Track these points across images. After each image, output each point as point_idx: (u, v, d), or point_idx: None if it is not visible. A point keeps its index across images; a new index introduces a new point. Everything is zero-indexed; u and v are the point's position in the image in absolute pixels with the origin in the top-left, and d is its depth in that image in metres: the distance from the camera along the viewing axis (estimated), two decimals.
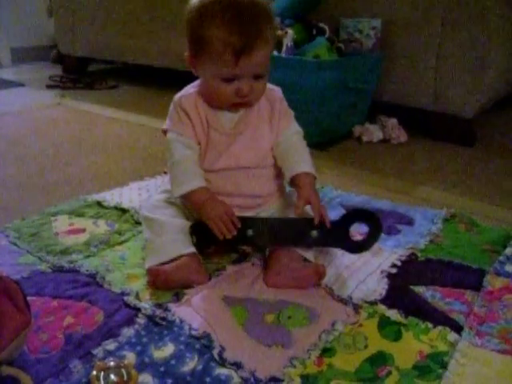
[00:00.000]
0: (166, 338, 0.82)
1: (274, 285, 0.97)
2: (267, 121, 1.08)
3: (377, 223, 1.01)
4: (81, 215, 1.25)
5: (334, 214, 1.26)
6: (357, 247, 1.02)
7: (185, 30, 1.01)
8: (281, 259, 0.99)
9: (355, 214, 1.02)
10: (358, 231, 1.07)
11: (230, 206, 1.00)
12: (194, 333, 0.82)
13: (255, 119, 1.06)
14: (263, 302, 0.92)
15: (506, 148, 1.94)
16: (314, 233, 0.99)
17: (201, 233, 1.02)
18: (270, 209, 1.10)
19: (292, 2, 1.92)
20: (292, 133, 1.10)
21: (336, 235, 1.00)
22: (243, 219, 1.00)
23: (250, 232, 1.00)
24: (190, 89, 1.08)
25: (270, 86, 1.08)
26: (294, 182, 1.05)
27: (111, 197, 1.35)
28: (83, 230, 1.18)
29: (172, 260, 0.97)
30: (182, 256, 0.97)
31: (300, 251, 1.01)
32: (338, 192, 1.42)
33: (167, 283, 0.94)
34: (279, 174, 1.11)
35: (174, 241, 0.99)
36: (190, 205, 1.04)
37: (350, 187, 1.47)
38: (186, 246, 0.99)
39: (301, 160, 1.07)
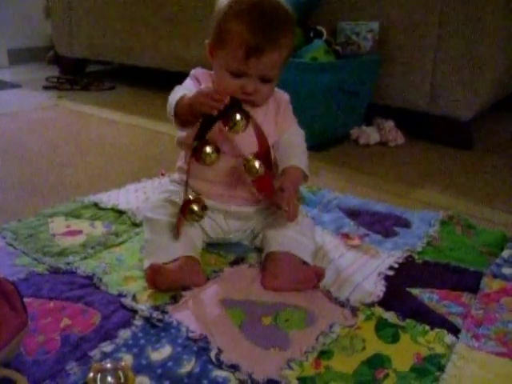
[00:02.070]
0: (163, 339, 0.81)
1: (272, 288, 0.96)
2: (273, 120, 1.11)
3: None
4: (78, 217, 1.25)
5: (331, 217, 1.27)
6: None
7: (211, 19, 1.04)
8: (279, 262, 0.99)
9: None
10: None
11: None
12: (191, 335, 0.82)
13: (262, 115, 1.08)
14: (261, 304, 0.92)
15: (503, 151, 1.95)
16: None
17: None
18: (268, 207, 1.10)
19: (291, 4, 1.92)
20: (294, 132, 1.13)
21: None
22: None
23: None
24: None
25: (278, 89, 1.12)
26: (282, 173, 1.07)
27: (108, 198, 1.35)
28: (80, 232, 1.17)
29: (171, 262, 0.96)
30: (180, 258, 0.97)
31: (298, 254, 1.01)
32: (335, 194, 1.42)
33: (166, 283, 0.93)
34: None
35: (173, 242, 0.99)
36: (185, 114, 1.01)
37: (347, 189, 1.47)
38: (185, 248, 0.99)
39: (295, 156, 1.09)
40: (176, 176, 1.17)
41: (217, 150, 1.00)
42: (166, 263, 0.96)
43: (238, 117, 0.95)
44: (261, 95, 1.04)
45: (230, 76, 1.01)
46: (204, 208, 1.01)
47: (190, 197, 1.00)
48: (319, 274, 0.98)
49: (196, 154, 1.00)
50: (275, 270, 0.98)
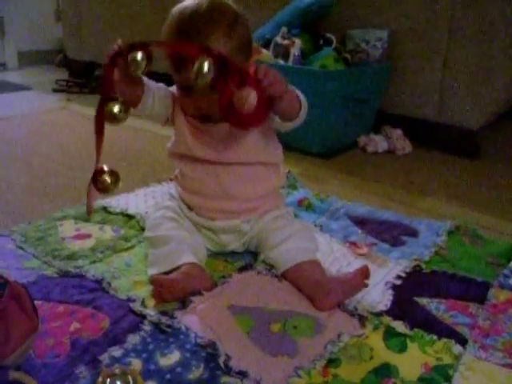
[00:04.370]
0: (172, 345, 0.82)
1: (330, 306, 0.92)
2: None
3: None
4: (87, 220, 1.25)
5: (339, 225, 1.27)
6: None
7: None
8: (318, 277, 0.97)
9: None
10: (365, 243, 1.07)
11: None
12: (199, 341, 0.82)
13: None
14: (269, 311, 0.92)
15: (511, 160, 1.94)
16: None
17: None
18: (261, 218, 1.09)
19: (300, 12, 1.93)
20: None
21: None
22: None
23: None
24: None
25: None
26: None
27: (117, 202, 1.35)
28: (89, 236, 1.18)
29: (174, 270, 0.97)
30: (183, 265, 0.97)
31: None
32: (342, 202, 1.42)
33: (173, 292, 0.93)
34: (271, 176, 1.11)
35: (174, 251, 1.00)
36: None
37: (355, 197, 1.47)
38: (186, 255, 0.99)
39: None
40: (172, 186, 1.17)
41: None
42: (169, 271, 0.97)
43: (137, 56, 0.85)
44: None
45: (183, 94, 1.00)
46: (116, 179, 0.97)
47: (104, 167, 0.96)
48: (366, 273, 0.95)
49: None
50: (323, 287, 0.94)
